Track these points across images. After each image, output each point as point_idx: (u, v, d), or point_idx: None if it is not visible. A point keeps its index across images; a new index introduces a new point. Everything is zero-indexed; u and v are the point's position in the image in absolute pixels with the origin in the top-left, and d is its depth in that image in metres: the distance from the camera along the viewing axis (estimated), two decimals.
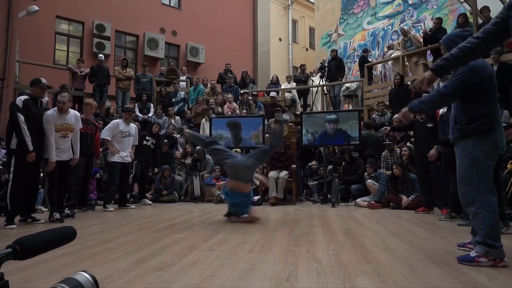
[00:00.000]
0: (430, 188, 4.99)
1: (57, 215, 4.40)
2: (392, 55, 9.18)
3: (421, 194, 5.19)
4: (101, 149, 6.52)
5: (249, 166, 4.24)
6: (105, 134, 5.86)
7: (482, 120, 2.29)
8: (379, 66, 10.02)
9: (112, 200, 5.98)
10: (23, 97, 4.21)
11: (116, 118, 6.94)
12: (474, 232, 2.46)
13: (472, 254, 2.24)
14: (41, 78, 4.39)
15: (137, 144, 6.27)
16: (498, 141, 2.32)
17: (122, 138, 5.90)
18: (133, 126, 6.19)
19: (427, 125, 4.89)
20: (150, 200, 6.80)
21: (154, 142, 6.97)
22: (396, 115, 3.13)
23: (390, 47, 10.01)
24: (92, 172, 6.52)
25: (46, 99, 7.89)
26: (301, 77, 10.61)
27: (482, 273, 2.00)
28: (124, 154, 5.89)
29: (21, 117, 4.02)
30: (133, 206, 6.13)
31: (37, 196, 4.73)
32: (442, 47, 2.59)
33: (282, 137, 6.79)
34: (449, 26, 9.75)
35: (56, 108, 4.61)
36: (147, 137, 6.87)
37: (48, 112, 4.60)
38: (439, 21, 7.95)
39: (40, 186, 5.10)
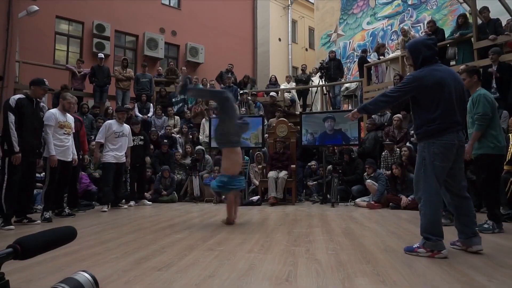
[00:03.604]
0: None
1: (46, 215, 4.37)
2: (390, 56, 9.17)
3: None
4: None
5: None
6: (98, 137, 5.82)
7: (429, 125, 2.46)
8: (379, 66, 9.99)
9: (109, 201, 5.78)
10: (17, 96, 4.13)
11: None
12: (461, 230, 2.57)
13: (415, 245, 2.46)
14: (44, 79, 4.35)
15: (131, 145, 6.17)
16: (454, 143, 2.44)
17: (116, 138, 5.82)
18: (126, 127, 6.08)
19: None
20: (149, 201, 6.74)
21: (142, 137, 6.73)
22: (346, 115, 3.33)
23: (379, 51, 9.89)
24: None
25: (43, 104, 7.90)
26: (302, 77, 10.60)
27: (482, 273, 2.00)
28: (119, 154, 5.81)
29: (11, 117, 3.94)
30: (125, 206, 6.08)
31: (32, 196, 4.67)
32: (407, 53, 2.74)
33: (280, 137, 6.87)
34: (449, 26, 9.76)
35: (58, 108, 4.71)
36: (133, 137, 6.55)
37: (51, 110, 4.66)
38: (432, 23, 7.92)
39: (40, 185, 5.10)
